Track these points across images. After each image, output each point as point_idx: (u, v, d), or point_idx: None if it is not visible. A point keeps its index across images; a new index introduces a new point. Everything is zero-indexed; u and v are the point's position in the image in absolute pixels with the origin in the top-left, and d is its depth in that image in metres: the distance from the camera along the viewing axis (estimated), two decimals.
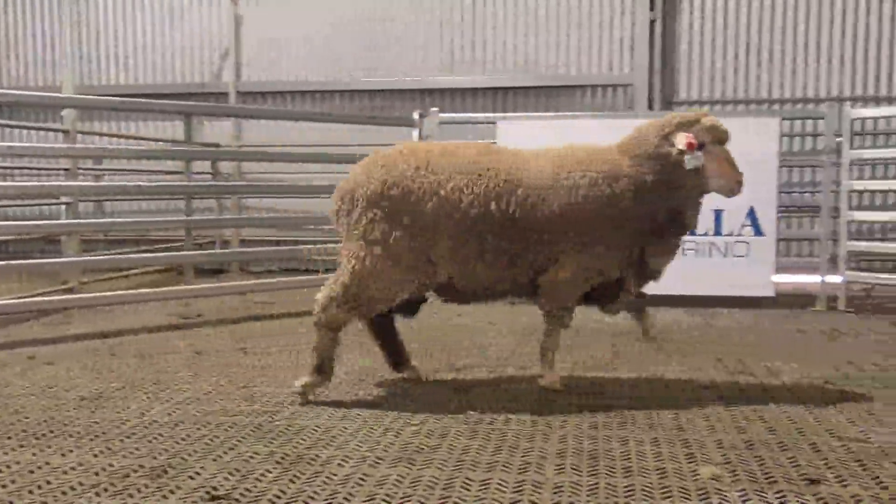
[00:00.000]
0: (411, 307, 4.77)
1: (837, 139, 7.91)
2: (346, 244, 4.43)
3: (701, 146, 4.35)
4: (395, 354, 4.88)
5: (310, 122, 10.28)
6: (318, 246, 9.30)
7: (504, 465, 3.39)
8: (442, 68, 11.34)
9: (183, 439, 3.73)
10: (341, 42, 11.64)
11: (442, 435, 3.80)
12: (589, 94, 11.13)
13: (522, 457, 3.50)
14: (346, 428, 3.91)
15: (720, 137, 4.42)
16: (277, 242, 10.34)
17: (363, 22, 11.60)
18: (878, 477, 3.24)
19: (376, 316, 4.60)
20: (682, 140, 4.32)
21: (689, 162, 4.33)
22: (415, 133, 8.39)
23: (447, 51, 11.41)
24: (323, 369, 4.41)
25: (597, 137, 7.77)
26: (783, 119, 8.05)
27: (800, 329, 6.71)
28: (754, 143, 7.73)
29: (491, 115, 8.87)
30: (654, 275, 4.65)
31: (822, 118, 8.21)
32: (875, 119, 9.99)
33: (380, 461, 3.44)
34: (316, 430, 3.87)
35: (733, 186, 4.48)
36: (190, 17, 12.00)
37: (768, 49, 10.80)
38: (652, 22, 10.94)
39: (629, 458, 3.48)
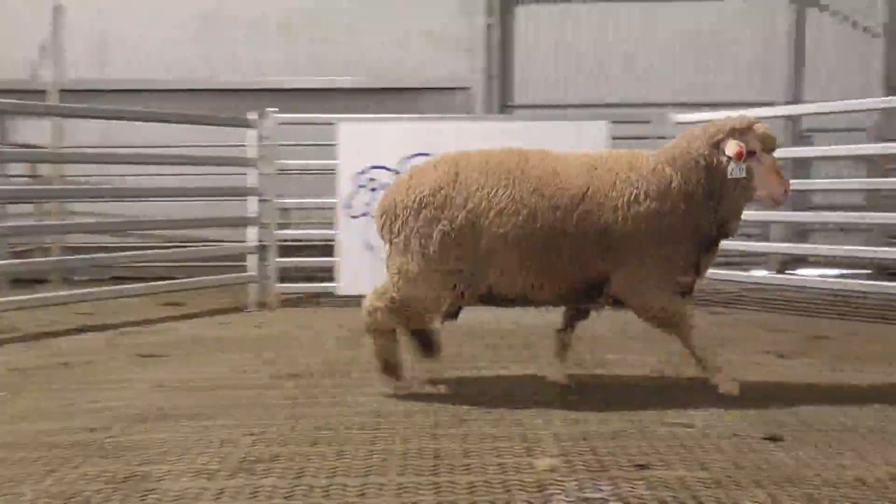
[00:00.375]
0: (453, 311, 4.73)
1: (662, 142, 8.32)
2: (391, 257, 4.45)
3: (751, 154, 4.28)
4: (427, 344, 4.73)
5: (139, 121, 9.80)
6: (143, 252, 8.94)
7: (346, 470, 3.35)
8: (282, 69, 11.14)
9: None
10: (181, 40, 11.21)
11: (282, 443, 3.72)
12: (428, 96, 11.23)
13: (365, 460, 3.47)
14: (181, 441, 3.74)
15: (771, 146, 4.36)
16: (104, 249, 9.80)
17: (202, 20, 11.23)
18: (700, 459, 3.43)
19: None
20: (732, 147, 4.25)
21: (733, 171, 4.27)
22: (251, 134, 8.19)
23: (288, 51, 11.21)
24: (389, 370, 4.53)
25: (437, 140, 7.93)
26: (612, 123, 8.38)
27: (628, 322, 6.99)
28: (586, 146, 8.01)
29: (331, 116, 8.76)
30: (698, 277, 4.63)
31: (649, 122, 8.65)
32: (695, 124, 10.59)
33: (217, 473, 3.31)
34: (149, 446, 3.68)
35: (779, 196, 4.39)
36: (4, 8, 11.19)
37: (598, 56, 11.26)
38: (489, 26, 11.18)
39: (470, 456, 3.52)
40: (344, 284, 7.99)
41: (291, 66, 11.19)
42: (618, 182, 4.35)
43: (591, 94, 11.27)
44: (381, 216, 4.50)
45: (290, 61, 11.21)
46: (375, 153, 7.96)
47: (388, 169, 7.93)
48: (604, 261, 4.36)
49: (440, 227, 4.30)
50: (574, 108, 11.19)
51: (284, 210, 9.14)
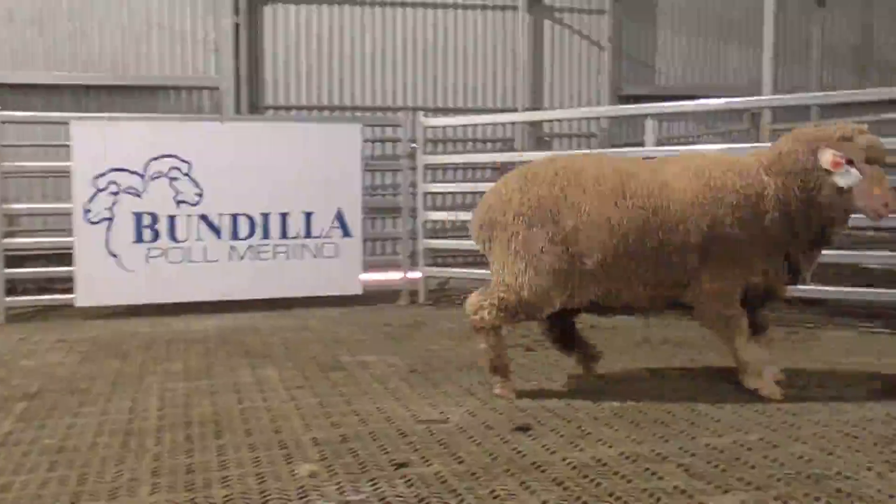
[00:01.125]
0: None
1: (413, 145, 8.54)
2: (496, 256, 4.49)
3: (849, 163, 4.12)
4: (584, 353, 4.92)
5: None
6: None
7: (90, 494, 3.12)
8: (9, 62, 10.19)
9: None
10: None
11: (15, 471, 3.40)
12: (173, 96, 10.76)
13: (112, 482, 3.25)
14: None
15: (873, 156, 4.17)
16: None
17: None
18: (456, 454, 3.54)
19: (555, 322, 4.78)
20: (827, 158, 4.13)
21: (841, 180, 4.12)
22: None
23: (16, 44, 10.26)
24: (497, 371, 4.51)
25: (184, 141, 7.62)
26: (364, 126, 8.48)
27: (387, 323, 7.13)
28: (340, 149, 8.06)
29: (64, 114, 8.16)
30: (798, 279, 4.53)
31: (400, 126, 8.85)
32: (444, 128, 10.98)
33: None
34: None
35: (878, 209, 4.15)
36: None
37: (349, 58, 11.33)
38: (236, 25, 10.89)
39: (227, 467, 3.41)
40: (83, 295, 7.47)
41: (20, 59, 10.26)
42: (719, 190, 4.34)
43: (344, 96, 11.33)
44: (482, 219, 4.57)
45: (19, 55, 10.27)
46: (115, 155, 7.49)
47: (129, 171, 7.50)
48: (692, 264, 4.37)
49: (546, 230, 4.34)
50: (327, 110, 11.20)
51: (12, 216, 8.37)
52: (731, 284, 4.38)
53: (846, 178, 4.13)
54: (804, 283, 4.66)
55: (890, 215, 4.19)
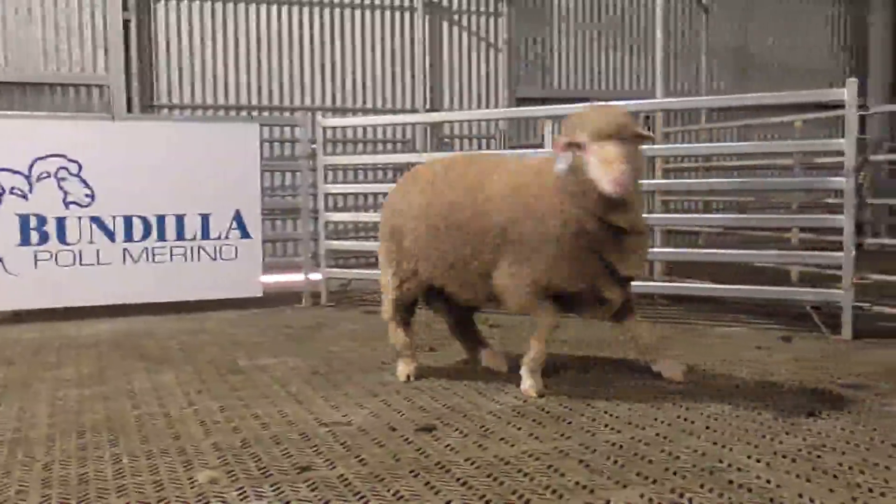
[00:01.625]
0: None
1: (312, 146, 8.46)
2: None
3: (577, 145, 4.04)
4: (472, 343, 5.28)
5: None
6: None
7: None
8: None
9: None
10: None
11: None
12: (60, 93, 10.35)
13: None
14: None
15: (601, 133, 3.99)
16: None
17: None
18: (359, 456, 3.53)
19: (455, 314, 5.23)
20: (550, 141, 4.14)
21: (556, 165, 4.11)
22: None
23: None
24: (402, 354, 5.00)
25: (72, 140, 7.34)
26: (263, 126, 8.35)
27: (287, 325, 7.03)
28: (237, 149, 7.91)
29: None
30: (625, 280, 4.45)
31: (299, 126, 8.75)
32: (343, 128, 10.92)
33: None
34: None
35: (606, 186, 3.97)
36: None
37: (245, 57, 11.14)
38: (126, 22, 10.56)
39: (123, 476, 3.30)
40: None
41: None
42: (517, 185, 4.45)
43: (241, 95, 11.14)
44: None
45: None
46: None
47: (13, 171, 7.17)
48: (494, 259, 4.49)
49: (387, 230, 4.95)
50: (223, 110, 11.00)
51: None
52: (527, 283, 4.40)
53: (560, 162, 4.13)
54: (628, 281, 4.51)
55: (622, 191, 3.98)
